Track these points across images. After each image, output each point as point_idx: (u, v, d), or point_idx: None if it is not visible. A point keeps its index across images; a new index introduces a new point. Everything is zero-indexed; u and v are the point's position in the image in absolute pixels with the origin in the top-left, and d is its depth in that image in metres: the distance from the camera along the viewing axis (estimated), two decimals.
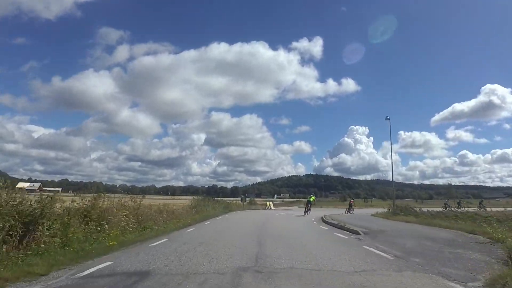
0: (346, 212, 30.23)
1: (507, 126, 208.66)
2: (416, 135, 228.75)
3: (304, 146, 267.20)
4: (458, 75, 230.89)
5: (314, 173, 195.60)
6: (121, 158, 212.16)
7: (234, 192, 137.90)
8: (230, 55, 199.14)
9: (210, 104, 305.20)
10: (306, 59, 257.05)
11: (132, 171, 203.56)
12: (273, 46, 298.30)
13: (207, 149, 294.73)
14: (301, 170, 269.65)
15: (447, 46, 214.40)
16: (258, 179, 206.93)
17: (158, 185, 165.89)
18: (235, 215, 24.99)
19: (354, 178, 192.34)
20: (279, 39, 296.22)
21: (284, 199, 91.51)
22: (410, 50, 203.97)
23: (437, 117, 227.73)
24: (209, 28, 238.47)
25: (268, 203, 40.62)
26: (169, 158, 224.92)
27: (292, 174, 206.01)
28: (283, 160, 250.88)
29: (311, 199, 25.99)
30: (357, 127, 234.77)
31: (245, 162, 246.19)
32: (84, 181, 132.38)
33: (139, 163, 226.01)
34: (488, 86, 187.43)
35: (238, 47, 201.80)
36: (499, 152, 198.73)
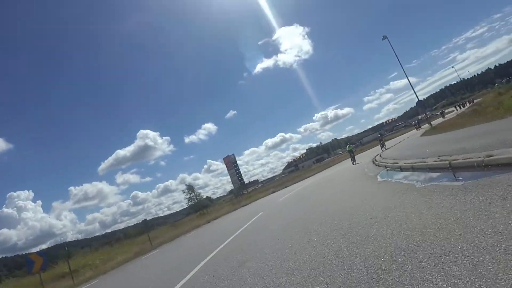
0: (383, 149, 26.66)
1: (162, 163, 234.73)
2: (87, 187, 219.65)
3: None
4: (115, 123, 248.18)
5: None
6: None
7: None
8: None
9: None
10: None
11: None
12: None
13: None
14: None
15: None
16: None
17: None
18: None
19: (22, 253, 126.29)
20: None
21: None
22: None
23: (103, 165, 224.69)
24: None
25: None
26: None
27: None
28: None
29: (351, 148, 26.46)
30: (18, 192, 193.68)
31: None
32: None
33: None
34: (142, 132, 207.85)
35: None
36: (161, 185, 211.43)
